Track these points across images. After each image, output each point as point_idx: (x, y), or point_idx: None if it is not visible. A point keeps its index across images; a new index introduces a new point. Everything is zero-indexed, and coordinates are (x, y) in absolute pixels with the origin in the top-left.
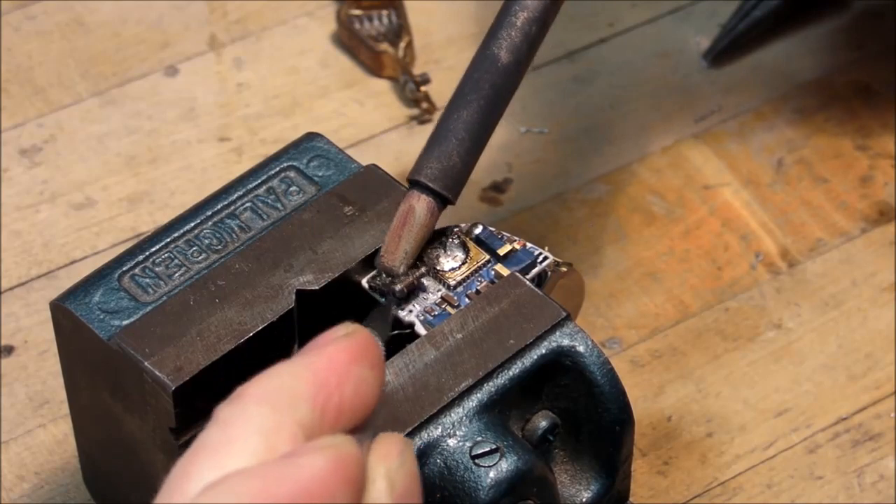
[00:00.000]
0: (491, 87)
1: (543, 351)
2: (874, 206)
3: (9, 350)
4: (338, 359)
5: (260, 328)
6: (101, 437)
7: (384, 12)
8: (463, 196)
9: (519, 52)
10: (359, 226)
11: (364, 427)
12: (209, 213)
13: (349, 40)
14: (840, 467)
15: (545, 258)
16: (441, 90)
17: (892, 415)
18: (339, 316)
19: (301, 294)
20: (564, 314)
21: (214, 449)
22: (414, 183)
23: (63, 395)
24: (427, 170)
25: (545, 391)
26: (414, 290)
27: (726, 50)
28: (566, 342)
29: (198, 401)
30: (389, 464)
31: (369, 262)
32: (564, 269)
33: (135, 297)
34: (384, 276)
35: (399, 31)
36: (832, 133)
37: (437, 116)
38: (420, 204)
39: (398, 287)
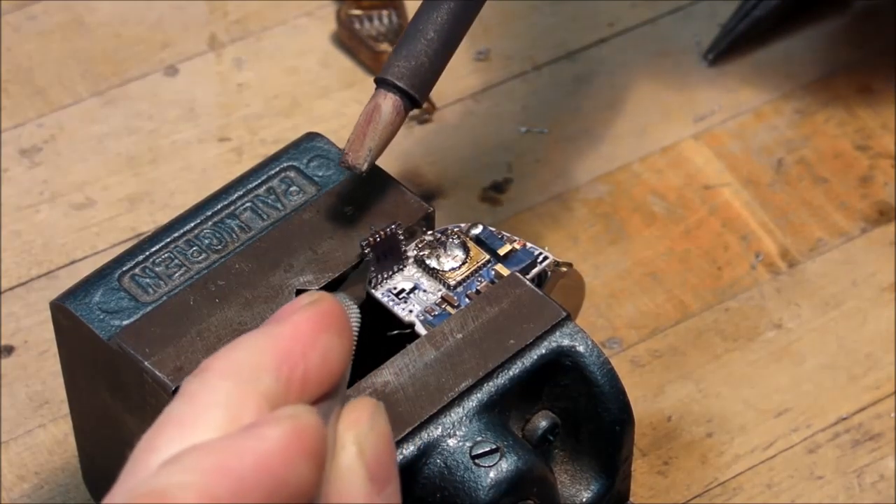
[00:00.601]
0: None
1: (543, 351)
2: (874, 206)
3: (9, 350)
4: (303, 328)
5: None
6: (101, 437)
7: (384, 12)
8: (463, 196)
9: None
10: (359, 226)
11: (334, 394)
12: (209, 213)
13: (349, 40)
14: (840, 467)
15: (545, 258)
16: (441, 90)
17: (892, 415)
18: None
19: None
20: (564, 314)
21: (179, 422)
22: (381, 82)
23: (63, 395)
24: (394, 68)
25: (545, 391)
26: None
27: (726, 50)
28: (566, 342)
29: None
30: (359, 429)
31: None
32: (564, 268)
33: (135, 297)
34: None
35: (399, 31)
36: (832, 133)
37: (436, 116)
38: (386, 102)
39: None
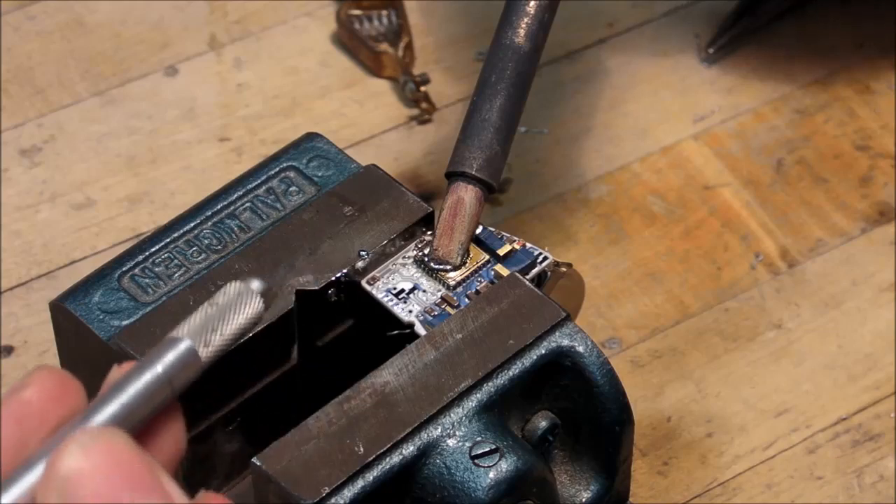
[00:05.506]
0: (517, 75)
1: (543, 351)
2: (874, 206)
3: (9, 350)
4: None
5: (260, 328)
6: None
7: (384, 12)
8: None
9: (535, 38)
10: (359, 226)
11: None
12: (209, 213)
13: (349, 40)
14: (840, 467)
15: (545, 258)
16: (441, 90)
17: (892, 415)
18: (338, 316)
19: (301, 294)
20: (564, 314)
21: None
22: (458, 174)
23: None
24: (470, 160)
25: (545, 391)
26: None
27: (726, 50)
28: (566, 342)
29: (197, 402)
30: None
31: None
32: (564, 269)
33: (135, 298)
34: (436, 265)
35: (399, 31)
36: (832, 133)
37: (436, 116)
38: (468, 194)
39: (456, 280)
